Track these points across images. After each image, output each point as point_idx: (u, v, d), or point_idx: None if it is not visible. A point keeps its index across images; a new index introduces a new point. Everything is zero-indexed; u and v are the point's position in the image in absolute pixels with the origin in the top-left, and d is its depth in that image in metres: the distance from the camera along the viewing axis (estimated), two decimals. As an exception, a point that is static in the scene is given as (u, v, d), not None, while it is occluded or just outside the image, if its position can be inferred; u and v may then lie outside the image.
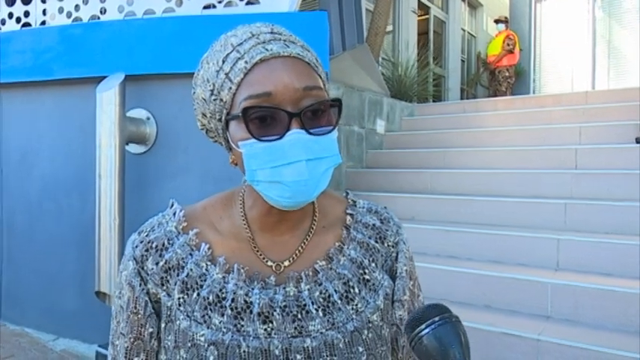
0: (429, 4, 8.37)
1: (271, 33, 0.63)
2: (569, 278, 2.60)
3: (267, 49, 0.60)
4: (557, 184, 3.47)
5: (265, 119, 0.58)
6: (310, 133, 0.58)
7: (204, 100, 0.64)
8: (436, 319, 0.58)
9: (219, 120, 0.63)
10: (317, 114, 0.60)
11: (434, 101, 7.55)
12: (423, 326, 0.58)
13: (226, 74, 0.60)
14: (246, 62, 0.59)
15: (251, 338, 0.62)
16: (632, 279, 2.54)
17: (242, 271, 0.65)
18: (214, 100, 0.62)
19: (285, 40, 0.62)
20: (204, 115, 0.66)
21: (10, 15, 3.78)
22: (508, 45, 7.63)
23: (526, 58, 8.89)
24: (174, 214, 0.69)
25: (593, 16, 8.59)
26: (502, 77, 7.74)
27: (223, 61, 0.61)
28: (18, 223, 3.55)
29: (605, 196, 3.26)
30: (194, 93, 0.66)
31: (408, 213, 3.66)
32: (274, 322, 0.63)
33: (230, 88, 0.60)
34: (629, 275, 2.60)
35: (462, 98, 8.99)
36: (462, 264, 2.95)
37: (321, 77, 0.63)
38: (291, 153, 0.58)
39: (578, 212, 3.11)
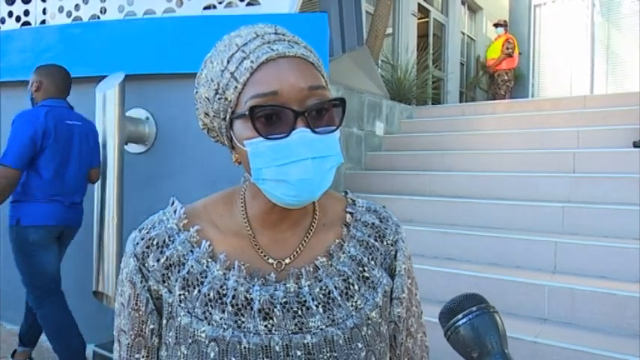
0: (428, 7, 8.39)
1: (275, 34, 0.64)
2: (566, 281, 2.61)
3: (272, 49, 0.61)
4: (555, 188, 3.48)
5: (271, 118, 0.59)
6: (315, 132, 0.59)
7: (208, 99, 0.64)
8: (473, 309, 0.58)
9: (224, 119, 0.63)
10: (321, 113, 0.61)
11: (433, 104, 7.56)
12: (460, 316, 0.58)
13: (231, 74, 0.61)
14: (252, 62, 0.60)
15: (251, 334, 0.62)
16: (630, 282, 2.55)
17: (242, 267, 0.65)
18: (219, 99, 0.62)
19: (289, 41, 0.63)
20: (206, 114, 0.66)
21: (10, 14, 3.78)
22: (507, 49, 7.66)
23: (525, 62, 8.92)
24: (175, 211, 0.70)
25: (592, 20, 8.62)
26: (501, 81, 7.76)
27: (228, 61, 0.62)
28: (16, 221, 3.54)
29: (602, 199, 3.27)
30: (196, 92, 0.67)
31: (407, 215, 3.67)
32: (275, 319, 0.63)
33: (236, 87, 0.60)
34: (627, 278, 2.61)
35: (461, 101, 9.01)
36: (459, 266, 2.96)
37: (324, 77, 0.64)
38: (298, 151, 0.58)
39: (576, 216, 3.12)
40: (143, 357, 0.68)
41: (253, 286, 0.64)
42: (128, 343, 0.68)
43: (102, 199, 2.82)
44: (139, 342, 0.68)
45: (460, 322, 0.58)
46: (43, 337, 3.31)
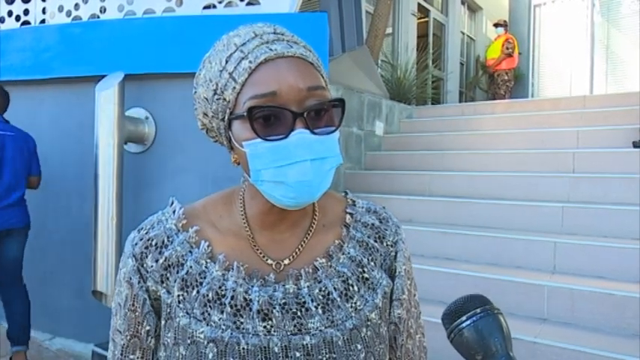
0: (428, 6, 8.39)
1: (274, 33, 0.63)
2: (565, 281, 2.61)
3: (271, 49, 0.60)
4: (555, 188, 3.48)
5: (270, 119, 0.58)
6: (314, 133, 0.59)
7: (207, 99, 0.63)
8: (477, 310, 0.57)
9: (222, 119, 0.63)
10: (320, 114, 0.60)
11: (433, 104, 7.56)
12: (463, 318, 0.57)
13: (230, 74, 0.60)
14: (250, 62, 0.59)
15: (250, 335, 0.62)
16: (630, 282, 2.55)
17: (241, 268, 0.65)
18: (217, 99, 0.62)
19: (288, 41, 0.62)
20: (205, 114, 0.65)
21: (10, 13, 3.78)
22: (507, 49, 7.66)
23: (525, 62, 8.92)
24: (174, 211, 0.70)
25: (592, 20, 8.62)
26: (501, 81, 7.76)
27: (227, 61, 0.61)
28: (15, 221, 3.54)
29: (602, 199, 3.27)
30: (195, 92, 0.66)
31: (406, 215, 3.67)
32: (274, 320, 0.63)
33: (234, 87, 0.60)
34: (626, 279, 2.60)
35: (460, 101, 9.01)
36: (459, 266, 2.96)
37: (323, 77, 0.64)
38: (296, 153, 0.58)
39: (576, 216, 3.12)
40: (138, 358, 0.68)
41: (252, 287, 0.64)
42: (123, 344, 0.68)
43: (101, 199, 2.82)
44: (135, 343, 0.68)
45: (464, 324, 0.57)
46: (42, 337, 3.32)
